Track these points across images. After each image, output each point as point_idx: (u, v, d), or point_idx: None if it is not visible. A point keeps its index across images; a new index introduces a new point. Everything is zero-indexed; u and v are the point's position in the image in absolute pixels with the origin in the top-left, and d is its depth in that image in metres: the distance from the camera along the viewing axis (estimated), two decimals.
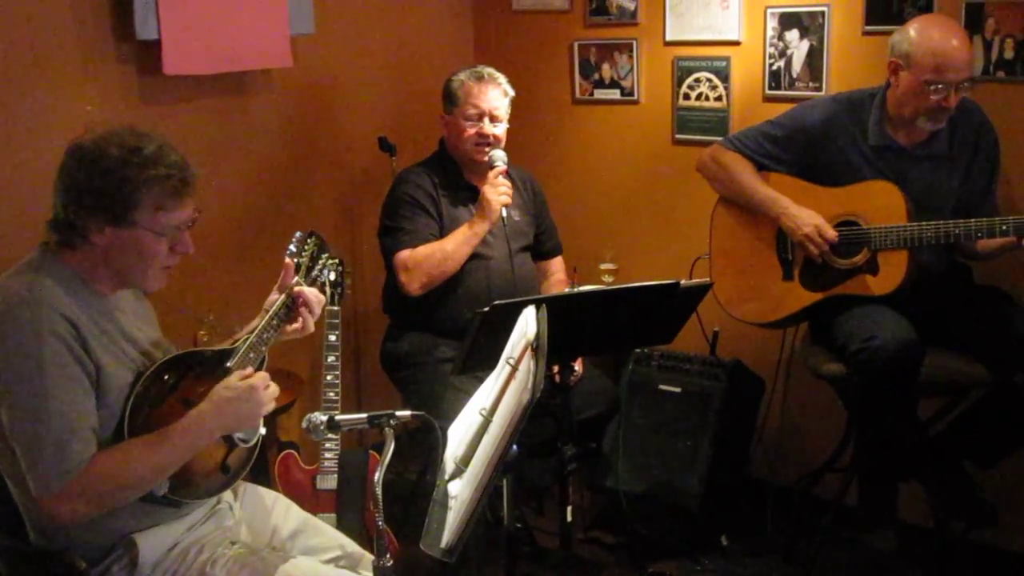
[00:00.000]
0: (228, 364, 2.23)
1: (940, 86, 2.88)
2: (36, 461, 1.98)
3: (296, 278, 2.45)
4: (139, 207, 2.06)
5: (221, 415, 2.12)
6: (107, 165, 2.05)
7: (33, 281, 2.04)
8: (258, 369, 2.26)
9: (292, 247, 2.57)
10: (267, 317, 2.33)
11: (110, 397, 2.07)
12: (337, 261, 3.12)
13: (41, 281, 2.04)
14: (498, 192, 3.23)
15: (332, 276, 3.04)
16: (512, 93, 3.41)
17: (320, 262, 2.60)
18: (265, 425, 2.31)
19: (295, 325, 2.40)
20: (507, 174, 3.32)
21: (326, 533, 2.45)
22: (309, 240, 2.61)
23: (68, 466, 1.97)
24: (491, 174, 3.27)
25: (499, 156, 3.30)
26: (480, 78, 3.36)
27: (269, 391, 2.18)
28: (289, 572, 2.19)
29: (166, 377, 2.16)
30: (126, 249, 2.10)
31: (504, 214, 3.24)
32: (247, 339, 2.29)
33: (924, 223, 2.93)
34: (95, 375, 2.05)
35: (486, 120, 3.34)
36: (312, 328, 2.43)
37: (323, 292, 2.50)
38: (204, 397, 2.13)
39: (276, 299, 2.40)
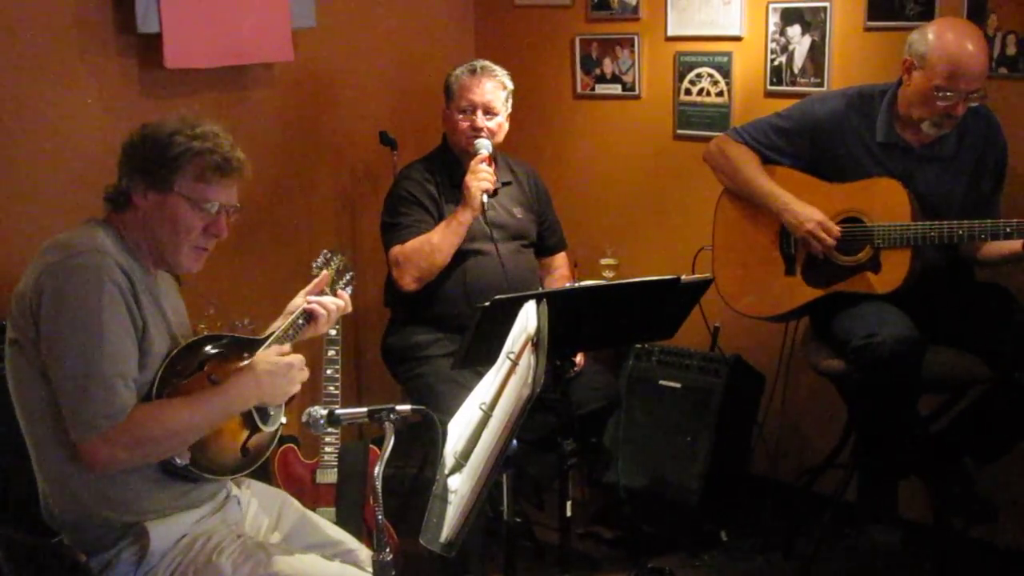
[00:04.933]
0: (262, 349, 2.34)
1: (949, 94, 2.85)
2: (83, 402, 2.04)
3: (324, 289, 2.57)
4: (180, 173, 2.18)
5: (259, 385, 2.23)
6: (160, 135, 2.19)
7: (95, 235, 2.16)
8: None
9: (320, 260, 2.68)
10: (292, 318, 2.44)
11: (147, 359, 2.15)
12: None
13: (103, 237, 2.16)
14: (478, 178, 3.22)
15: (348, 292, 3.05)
16: (510, 86, 3.40)
17: (345, 279, 2.67)
18: (286, 415, 2.41)
19: (312, 330, 2.51)
20: (505, 170, 3.32)
21: (328, 531, 2.47)
22: (335, 258, 2.70)
23: (114, 409, 2.04)
24: (473, 161, 3.26)
25: (483, 144, 3.30)
26: (474, 72, 3.36)
27: (303, 373, 2.31)
28: (292, 565, 2.20)
29: (193, 354, 2.24)
30: (163, 216, 2.20)
31: (485, 199, 3.23)
32: (273, 333, 2.39)
33: (928, 223, 2.93)
34: (141, 331, 2.14)
35: (479, 113, 3.33)
36: (323, 329, 2.52)
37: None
38: (227, 376, 2.23)
39: (300, 303, 2.50)
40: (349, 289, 2.68)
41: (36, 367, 2.10)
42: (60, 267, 2.09)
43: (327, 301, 2.48)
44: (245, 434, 2.31)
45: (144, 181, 2.18)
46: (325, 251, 2.73)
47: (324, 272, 2.58)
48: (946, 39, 2.87)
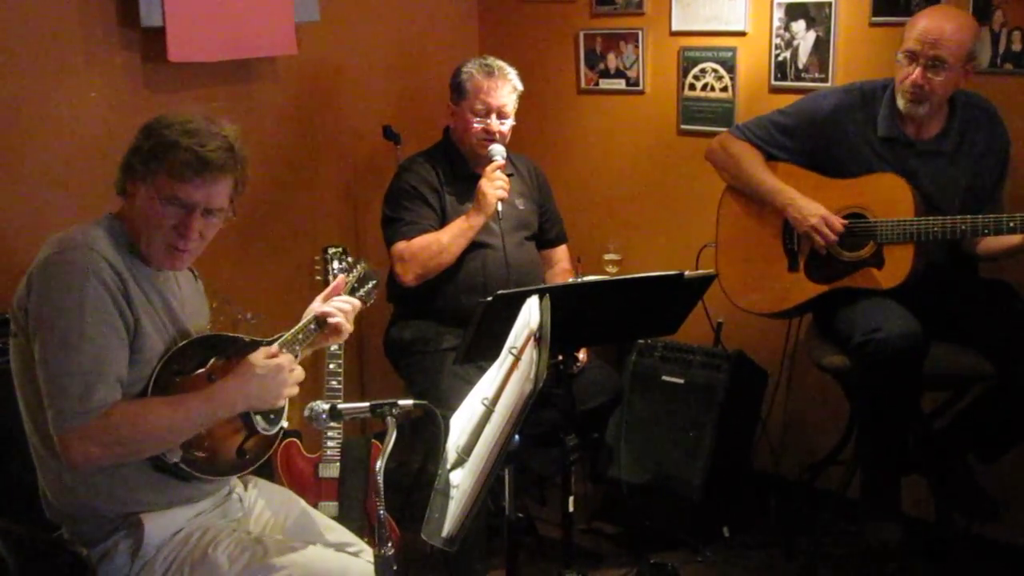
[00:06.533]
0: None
1: (910, 52, 2.90)
2: (60, 396, 2.03)
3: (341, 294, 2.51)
4: (155, 167, 2.14)
5: (245, 389, 2.18)
6: (156, 125, 2.17)
7: (91, 232, 2.14)
8: None
9: (343, 266, 2.62)
10: (304, 321, 2.39)
11: (140, 356, 2.13)
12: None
13: (99, 234, 2.14)
14: (494, 186, 3.22)
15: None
16: (521, 88, 3.39)
17: (367, 287, 2.61)
18: (287, 420, 2.37)
19: (329, 336, 2.45)
20: (506, 165, 3.32)
21: (331, 529, 2.46)
22: (358, 265, 2.66)
23: (89, 406, 2.03)
24: (488, 168, 3.26)
25: (498, 150, 3.29)
26: (490, 73, 3.32)
27: (294, 374, 2.25)
28: (291, 557, 2.20)
29: (197, 352, 2.22)
30: (140, 207, 2.17)
31: (500, 207, 3.23)
32: (282, 335, 2.34)
33: (931, 218, 2.92)
34: (132, 329, 2.12)
35: (493, 116, 3.32)
36: (345, 335, 2.47)
37: (364, 302, 2.57)
38: (217, 382, 2.19)
39: (318, 307, 2.45)
40: (372, 298, 2.62)
41: (29, 356, 2.10)
42: (47, 264, 2.08)
43: (339, 304, 2.42)
44: (241, 436, 2.28)
45: (133, 173, 2.17)
46: (349, 258, 2.69)
47: (341, 277, 2.54)
48: (924, 12, 2.98)
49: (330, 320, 2.40)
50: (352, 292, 2.55)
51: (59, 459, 2.09)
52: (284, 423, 2.37)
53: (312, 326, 2.38)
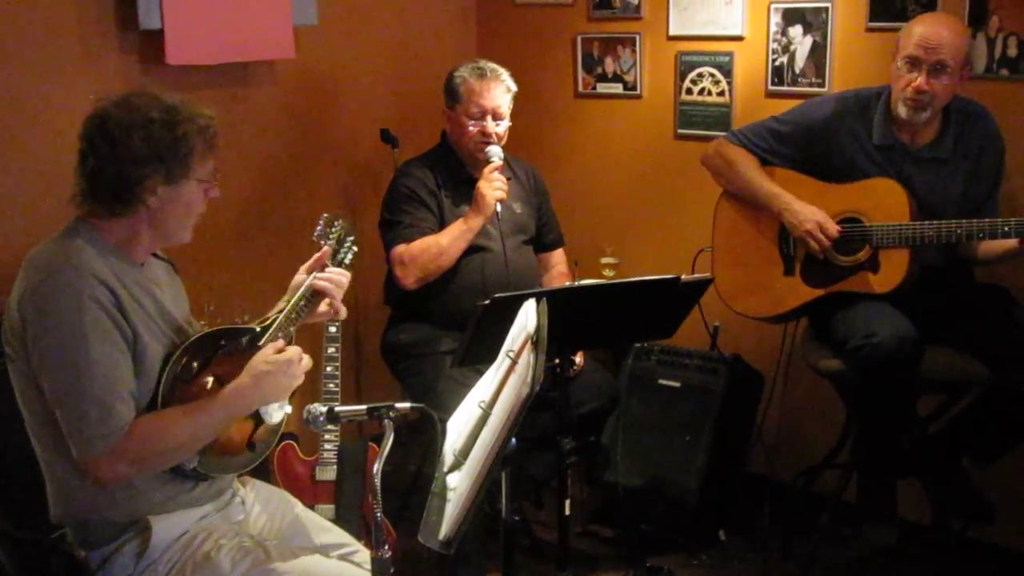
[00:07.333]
0: (260, 343, 2.28)
1: (911, 56, 2.91)
2: (79, 424, 2.02)
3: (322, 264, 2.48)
4: (193, 160, 2.14)
5: (259, 387, 2.19)
6: (156, 129, 2.10)
7: (72, 248, 2.09)
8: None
9: (319, 229, 2.58)
10: (295, 298, 2.37)
11: (144, 366, 2.12)
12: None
13: (80, 248, 2.10)
14: (493, 187, 3.23)
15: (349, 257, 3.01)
16: (514, 88, 3.40)
17: (346, 246, 2.60)
18: (291, 404, 2.37)
19: (323, 308, 2.45)
20: (504, 168, 3.33)
21: (328, 531, 2.46)
22: (336, 223, 2.61)
23: (111, 428, 2.03)
24: (486, 169, 3.27)
25: (495, 152, 3.30)
26: (482, 75, 3.34)
27: (303, 364, 2.27)
28: (292, 563, 2.21)
29: (198, 353, 2.21)
30: (176, 205, 2.17)
31: (498, 208, 3.24)
32: (275, 319, 2.33)
33: (926, 222, 2.93)
34: (132, 342, 2.10)
35: (489, 118, 3.33)
36: (343, 311, 2.47)
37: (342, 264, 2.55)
38: (233, 373, 2.19)
39: (303, 279, 2.43)
40: (352, 254, 2.60)
41: (32, 381, 2.09)
42: (37, 291, 2.05)
43: (332, 276, 2.42)
44: (250, 429, 2.30)
45: (156, 179, 2.11)
46: (325, 214, 2.61)
47: (325, 247, 2.51)
48: (917, 20, 3.00)
49: (325, 290, 2.40)
50: (334, 256, 2.53)
51: (69, 469, 2.09)
52: (288, 408, 2.37)
53: (302, 303, 2.38)
